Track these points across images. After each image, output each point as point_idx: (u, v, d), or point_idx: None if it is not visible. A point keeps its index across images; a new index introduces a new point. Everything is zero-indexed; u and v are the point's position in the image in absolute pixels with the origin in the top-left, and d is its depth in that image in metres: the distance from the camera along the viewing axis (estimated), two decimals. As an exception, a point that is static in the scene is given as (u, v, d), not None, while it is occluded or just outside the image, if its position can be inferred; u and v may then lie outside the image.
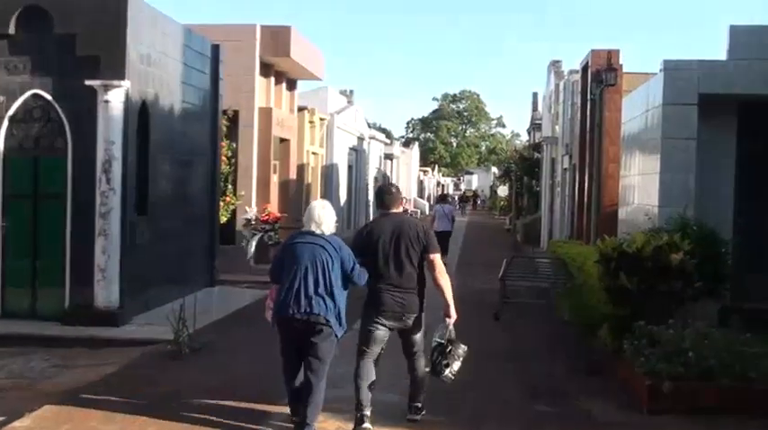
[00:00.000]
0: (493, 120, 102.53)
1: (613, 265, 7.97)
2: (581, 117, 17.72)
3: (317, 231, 5.60)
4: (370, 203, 31.62)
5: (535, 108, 37.17)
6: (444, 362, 5.83)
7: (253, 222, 13.49)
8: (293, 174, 18.91)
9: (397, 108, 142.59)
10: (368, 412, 5.68)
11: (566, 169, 20.70)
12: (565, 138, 20.89)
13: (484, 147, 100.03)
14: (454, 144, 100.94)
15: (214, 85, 13.21)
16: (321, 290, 5.43)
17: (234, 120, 15.79)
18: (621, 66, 15.16)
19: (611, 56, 14.86)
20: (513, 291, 11.67)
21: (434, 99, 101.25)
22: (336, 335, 5.52)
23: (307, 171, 21.02)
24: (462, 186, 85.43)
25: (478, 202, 72.68)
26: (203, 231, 13.04)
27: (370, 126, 38.75)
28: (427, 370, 5.92)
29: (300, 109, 20.28)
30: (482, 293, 13.55)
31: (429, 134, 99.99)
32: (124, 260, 9.88)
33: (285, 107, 18.77)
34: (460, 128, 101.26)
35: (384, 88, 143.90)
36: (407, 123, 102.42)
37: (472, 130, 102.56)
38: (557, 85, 23.66)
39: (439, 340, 5.93)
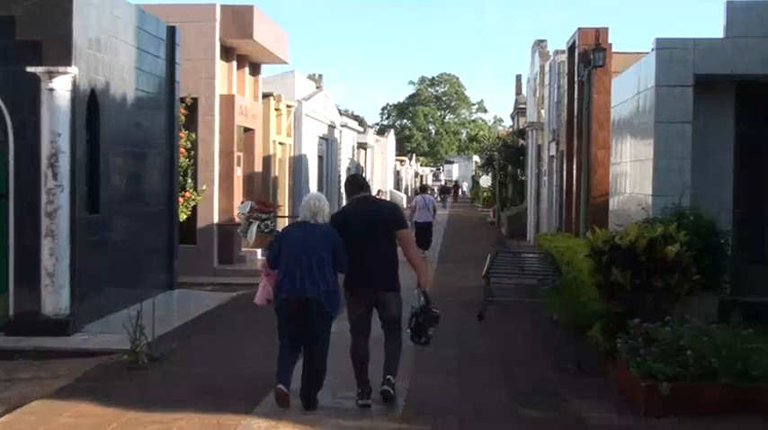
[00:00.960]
0: (474, 105, 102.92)
1: (605, 260, 8.01)
2: (568, 100, 17.80)
3: (312, 221, 6.69)
4: (343, 195, 31.49)
5: (519, 91, 37.33)
6: (420, 327, 6.97)
7: (250, 213, 14.34)
8: (259, 167, 18.82)
9: (370, 93, 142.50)
10: (368, 388, 6.82)
11: (553, 157, 20.80)
12: (551, 124, 20.98)
13: (464, 134, 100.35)
14: (432, 131, 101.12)
15: (170, 70, 13.13)
16: (316, 273, 6.50)
17: (193, 108, 15.67)
18: (611, 45, 15.25)
19: (600, 34, 14.94)
20: (497, 288, 11.72)
21: (411, 83, 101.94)
22: (331, 314, 6.60)
23: (273, 163, 20.94)
24: (442, 176, 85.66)
25: (460, 193, 72.95)
26: (161, 230, 12.98)
27: (341, 113, 38.64)
28: (409, 332, 6.97)
29: (265, 96, 20.16)
30: (465, 292, 13.59)
31: (405, 121, 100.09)
32: (74, 263, 9.78)
33: (249, 94, 18.65)
34: (439, 114, 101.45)
35: (356, 72, 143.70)
36: (382, 110, 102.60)
37: (452, 116, 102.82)
38: (542, 67, 23.74)
39: (414, 307, 7.02)
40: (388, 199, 42.05)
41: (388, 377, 6.81)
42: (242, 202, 15.91)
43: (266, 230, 14.26)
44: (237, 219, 15.00)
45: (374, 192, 8.53)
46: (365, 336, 6.89)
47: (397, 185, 59.57)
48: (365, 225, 6.78)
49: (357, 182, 7.20)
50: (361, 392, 6.84)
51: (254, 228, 14.28)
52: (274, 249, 6.72)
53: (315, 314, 6.52)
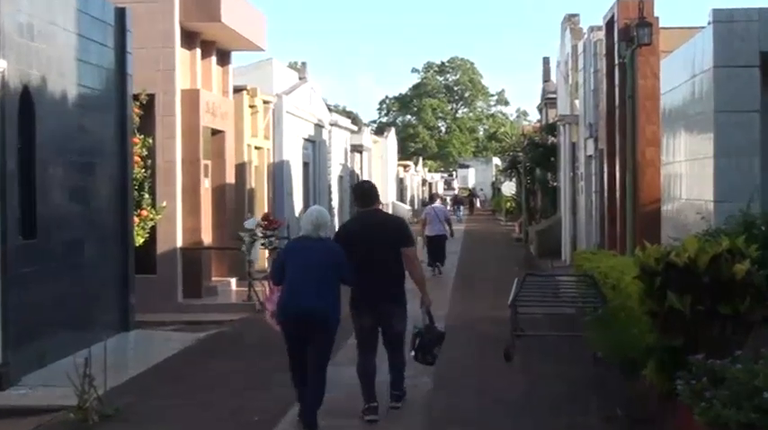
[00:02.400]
0: (492, 95, 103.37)
1: (658, 282, 7.97)
2: (607, 87, 17.82)
3: (314, 235, 7.96)
4: (335, 210, 31.59)
5: (547, 78, 37.40)
6: (424, 349, 8.39)
7: (255, 229, 16.32)
8: (231, 177, 18.84)
9: (365, 84, 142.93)
10: (374, 403, 8.06)
11: (590, 157, 20.81)
12: (588, 116, 21.00)
13: (482, 132, 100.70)
14: (442, 129, 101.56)
15: (120, 61, 13.16)
16: (318, 288, 7.70)
17: (149, 107, 15.68)
18: (657, 19, 15.27)
19: (644, 6, 14.95)
20: (527, 320, 11.71)
21: (414, 71, 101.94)
22: (333, 329, 7.80)
23: (249, 172, 20.95)
24: (455, 184, 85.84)
25: (477, 204, 73.10)
26: (113, 257, 12.99)
27: (330, 109, 38.69)
28: (412, 354, 8.41)
29: (237, 90, 20.21)
30: (486, 325, 13.59)
31: (409, 117, 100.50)
32: (6, 300, 9.74)
33: (217, 88, 18.68)
34: (450, 107, 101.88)
35: (347, 59, 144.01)
36: (380, 104, 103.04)
37: (465, 110, 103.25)
38: (574, 47, 23.79)
39: (417, 327, 8.45)
40: (389, 212, 42.15)
41: (396, 393, 8.43)
42: (247, 218, 18.01)
43: (270, 247, 16.26)
44: (241, 235, 16.72)
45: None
46: (372, 352, 8.21)
47: (401, 196, 59.72)
48: (370, 242, 8.05)
49: (365, 192, 8.49)
50: (368, 408, 8.06)
51: (257, 245, 16.21)
52: (278, 265, 8.06)
53: (317, 329, 7.73)
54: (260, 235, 16.34)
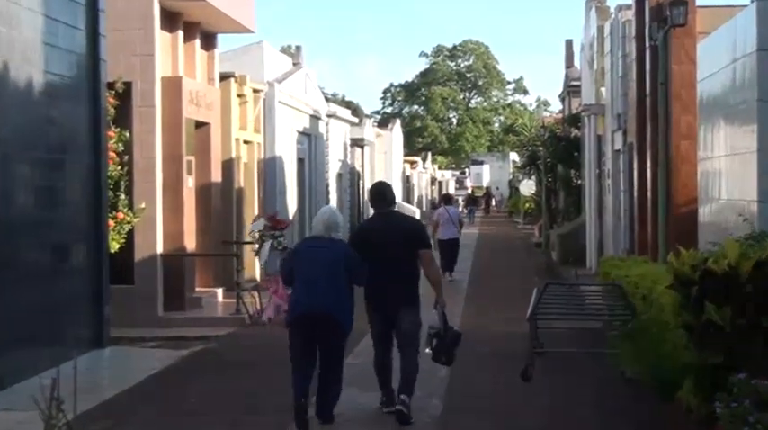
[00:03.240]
0: (509, 83, 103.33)
1: (695, 292, 7.96)
2: (638, 74, 17.81)
3: (326, 236, 8.85)
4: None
5: (570, 64, 37.44)
6: (443, 349, 9.31)
7: (263, 231, 17.39)
8: (217, 176, 18.84)
9: (367, 71, 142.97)
10: (391, 396, 9.20)
11: (619, 151, 20.82)
12: (615, 106, 21.01)
13: (497, 124, 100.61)
14: (454, 121, 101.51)
15: (93, 45, 13.15)
16: (330, 290, 8.58)
17: (125, 96, 15.68)
18: (694, -4, 15.26)
19: (679, -18, 14.92)
20: (548, 335, 11.71)
21: (423, 55, 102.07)
22: (346, 329, 8.76)
23: (237, 169, 20.95)
24: (468, 182, 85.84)
25: (492, 204, 73.07)
26: (85, 266, 12.97)
27: (328, 99, 38.70)
28: (429, 352, 9.33)
29: (224, 77, 20.20)
30: (501, 340, 13.59)
31: (416, 107, 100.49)
32: (-35, 314, 9.72)
33: (201, 75, 18.68)
34: (462, 96, 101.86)
35: (347, 43, 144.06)
36: (384, 93, 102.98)
37: (480, 100, 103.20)
38: (600, 29, 23.78)
39: (434, 328, 9.31)
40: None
41: (403, 397, 9.01)
42: (254, 220, 19.25)
43: (279, 248, 17.01)
44: (249, 238, 17.92)
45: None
46: (388, 348, 9.34)
47: (407, 196, 59.65)
48: (387, 243, 9.05)
49: (380, 194, 9.47)
50: (385, 400, 9.33)
51: (266, 246, 17.09)
52: (288, 265, 9.00)
53: (329, 330, 8.64)
54: (269, 236, 17.32)
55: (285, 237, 17.79)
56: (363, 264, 8.88)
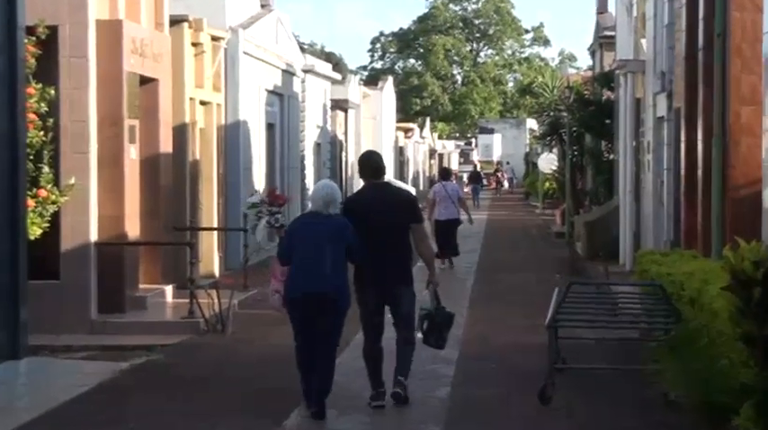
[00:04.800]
0: (527, 32, 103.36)
1: (758, 294, 7.94)
2: (687, 22, 17.75)
3: (324, 212, 10.11)
4: (308, 190, 31.53)
5: (603, 9, 37.28)
6: (434, 331, 10.61)
7: (259, 205, 19.12)
8: (167, 145, 18.69)
9: (351, 17, 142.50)
10: (382, 389, 10.37)
11: (662, 119, 20.79)
12: (659, 63, 20.97)
13: (512, 84, 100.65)
14: (458, 78, 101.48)
15: (6, -20, 13.11)
16: (329, 268, 9.94)
17: (50, 45, 15.54)
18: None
19: None
20: (572, 347, 11.70)
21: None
22: (344, 311, 10.11)
23: (192, 136, 20.83)
24: (475, 156, 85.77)
25: (504, 183, 73.05)
26: (-4, 257, 12.94)
27: (304, 50, 38.53)
28: (419, 336, 10.55)
29: (176, 21, 20.04)
30: (514, 352, 13.62)
31: (412, 62, 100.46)
32: None
33: (147, 19, 18.48)
34: (469, 48, 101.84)
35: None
36: (373, 43, 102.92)
37: (491, 53, 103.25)
38: (641, -32, 23.67)
39: (425, 308, 10.60)
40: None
41: (400, 378, 10.32)
42: (251, 193, 20.92)
43: (276, 225, 18.54)
44: (246, 211, 19.62)
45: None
46: (378, 334, 10.50)
47: (401, 172, 59.65)
48: (377, 217, 10.24)
49: (371, 164, 10.68)
50: (375, 394, 10.37)
51: (262, 223, 18.59)
52: (285, 243, 10.40)
53: (328, 311, 9.95)
54: (265, 212, 18.73)
55: (283, 214, 19.54)
56: (361, 242, 10.12)
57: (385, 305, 10.50)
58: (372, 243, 10.20)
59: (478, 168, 70.92)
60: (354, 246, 10.13)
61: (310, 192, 10.77)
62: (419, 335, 10.58)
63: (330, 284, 9.94)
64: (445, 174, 25.72)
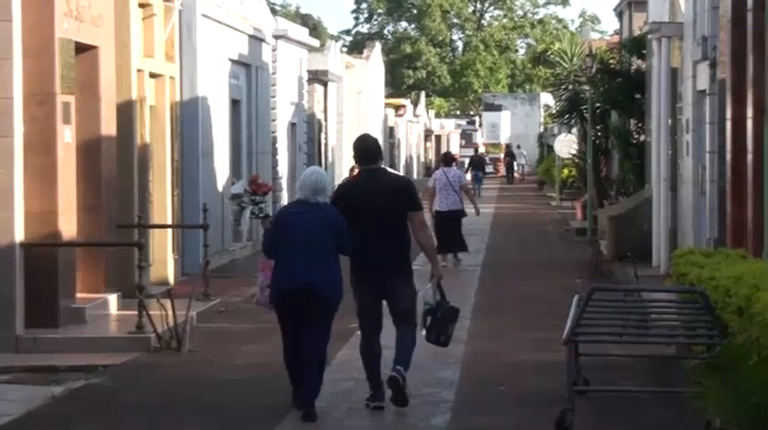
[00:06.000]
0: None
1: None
2: (732, -20, 17.70)
3: (312, 200, 11.08)
4: (283, 180, 31.46)
5: (631, -37, 37.27)
6: (437, 327, 11.50)
7: (242, 195, 20.61)
8: (109, 126, 18.62)
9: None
10: (381, 389, 11.35)
11: (704, 92, 20.79)
12: (700, 27, 20.96)
13: (522, 51, 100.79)
14: (459, 45, 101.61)
15: None
16: (317, 260, 10.91)
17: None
18: None
19: None
20: (594, 365, 11.82)
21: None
22: (334, 305, 11.14)
23: (140, 116, 20.75)
24: (479, 138, 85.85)
25: (516, 169, 73.04)
26: None
27: (275, 11, 38.49)
28: (422, 333, 11.50)
29: (120, -22, 19.98)
30: (527, 373, 13.71)
31: (405, 25, 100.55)
32: None
33: (84, -26, 18.42)
34: (472, 9, 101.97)
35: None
36: (357, 4, 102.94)
37: (497, 13, 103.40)
38: None
39: (428, 303, 11.50)
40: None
41: (399, 367, 11.19)
42: (233, 182, 22.31)
43: (261, 215, 20.06)
44: (231, 204, 21.19)
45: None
46: (377, 331, 11.49)
47: (391, 156, 59.69)
48: (372, 205, 11.22)
49: (365, 148, 11.65)
50: (373, 394, 11.39)
51: (246, 213, 20.39)
52: (270, 234, 11.33)
53: (316, 305, 10.96)
54: (248, 202, 20.43)
55: (266, 202, 21.35)
56: (351, 232, 11.10)
57: (382, 300, 11.46)
58: (367, 233, 11.19)
59: (482, 151, 70.90)
60: (345, 237, 11.08)
61: (298, 181, 11.65)
62: (423, 332, 11.52)
63: (319, 277, 10.90)
64: (447, 159, 26.39)
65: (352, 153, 12.13)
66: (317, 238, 10.96)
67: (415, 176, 61.45)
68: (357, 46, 69.32)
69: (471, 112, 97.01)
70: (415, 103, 74.87)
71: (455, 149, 74.61)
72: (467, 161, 61.31)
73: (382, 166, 11.94)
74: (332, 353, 12.81)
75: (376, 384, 11.41)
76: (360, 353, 11.59)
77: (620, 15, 39.65)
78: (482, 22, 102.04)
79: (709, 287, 12.07)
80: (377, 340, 11.50)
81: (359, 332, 11.96)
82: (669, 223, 23.64)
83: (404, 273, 11.47)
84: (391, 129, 61.19)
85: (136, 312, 15.99)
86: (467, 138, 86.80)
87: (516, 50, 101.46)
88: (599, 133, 34.86)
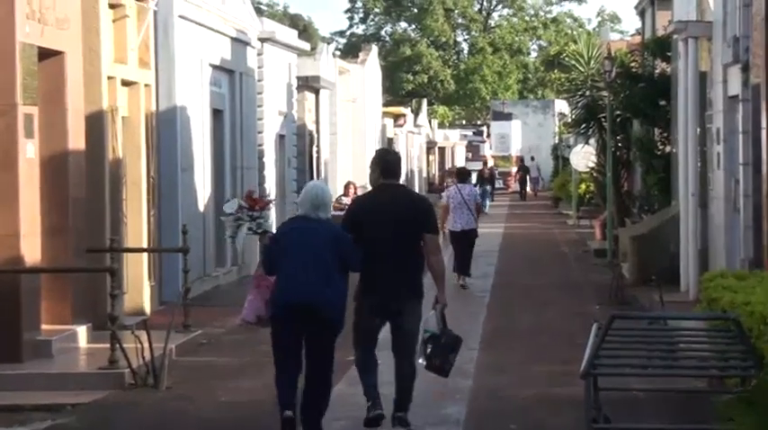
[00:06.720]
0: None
1: None
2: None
3: (313, 216, 11.61)
4: (271, 195, 31.47)
5: (652, -43, 37.34)
6: (439, 354, 11.90)
7: (237, 213, 21.51)
8: (77, 140, 18.62)
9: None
10: (378, 399, 11.81)
11: (736, 98, 20.75)
12: (730, 26, 20.94)
13: (534, 54, 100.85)
14: (464, 48, 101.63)
15: None
16: (319, 278, 11.31)
17: None
18: None
19: None
20: (616, 401, 11.85)
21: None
22: (338, 325, 11.54)
23: (111, 128, 20.74)
24: (486, 149, 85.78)
25: (529, 184, 73.03)
26: None
27: (261, 11, 38.51)
28: (422, 363, 11.92)
29: (88, -23, 19.99)
30: (542, 409, 13.73)
31: (405, 26, 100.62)
32: None
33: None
34: (478, 8, 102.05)
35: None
36: (352, 2, 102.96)
37: (506, 12, 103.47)
38: None
39: (430, 331, 11.91)
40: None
41: (399, 414, 11.79)
42: (228, 200, 23.30)
43: (259, 231, 21.04)
44: (226, 224, 22.27)
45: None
46: (373, 344, 12.10)
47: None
48: (385, 224, 11.78)
49: (384, 162, 12.29)
50: (372, 404, 11.79)
51: (243, 230, 21.23)
52: (270, 250, 11.94)
53: (319, 326, 11.37)
54: (246, 218, 21.21)
55: (265, 218, 22.24)
56: (357, 248, 11.61)
57: (385, 320, 12.02)
58: (377, 252, 11.72)
59: (490, 165, 70.89)
60: (350, 253, 11.60)
61: (299, 195, 12.16)
62: (421, 361, 11.94)
63: (320, 295, 11.32)
64: (462, 174, 26.88)
65: (369, 166, 12.46)
66: (317, 254, 11.38)
67: (417, 188, 61.26)
68: (352, 49, 69.43)
69: (478, 122, 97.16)
70: (416, 112, 74.77)
71: (460, 163, 74.62)
72: (474, 176, 61.32)
73: (395, 182, 12.34)
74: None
75: (374, 395, 11.84)
76: (356, 367, 12.12)
77: (642, 14, 39.65)
78: (489, 21, 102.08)
79: (742, 313, 12.08)
80: (373, 351, 12.07)
81: (355, 366, 12.30)
82: (698, 243, 23.55)
83: (414, 296, 11.93)
84: (390, 140, 60.94)
85: (108, 345, 16.02)
86: (473, 150, 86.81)
87: (528, 53, 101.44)
88: (619, 144, 34.86)
